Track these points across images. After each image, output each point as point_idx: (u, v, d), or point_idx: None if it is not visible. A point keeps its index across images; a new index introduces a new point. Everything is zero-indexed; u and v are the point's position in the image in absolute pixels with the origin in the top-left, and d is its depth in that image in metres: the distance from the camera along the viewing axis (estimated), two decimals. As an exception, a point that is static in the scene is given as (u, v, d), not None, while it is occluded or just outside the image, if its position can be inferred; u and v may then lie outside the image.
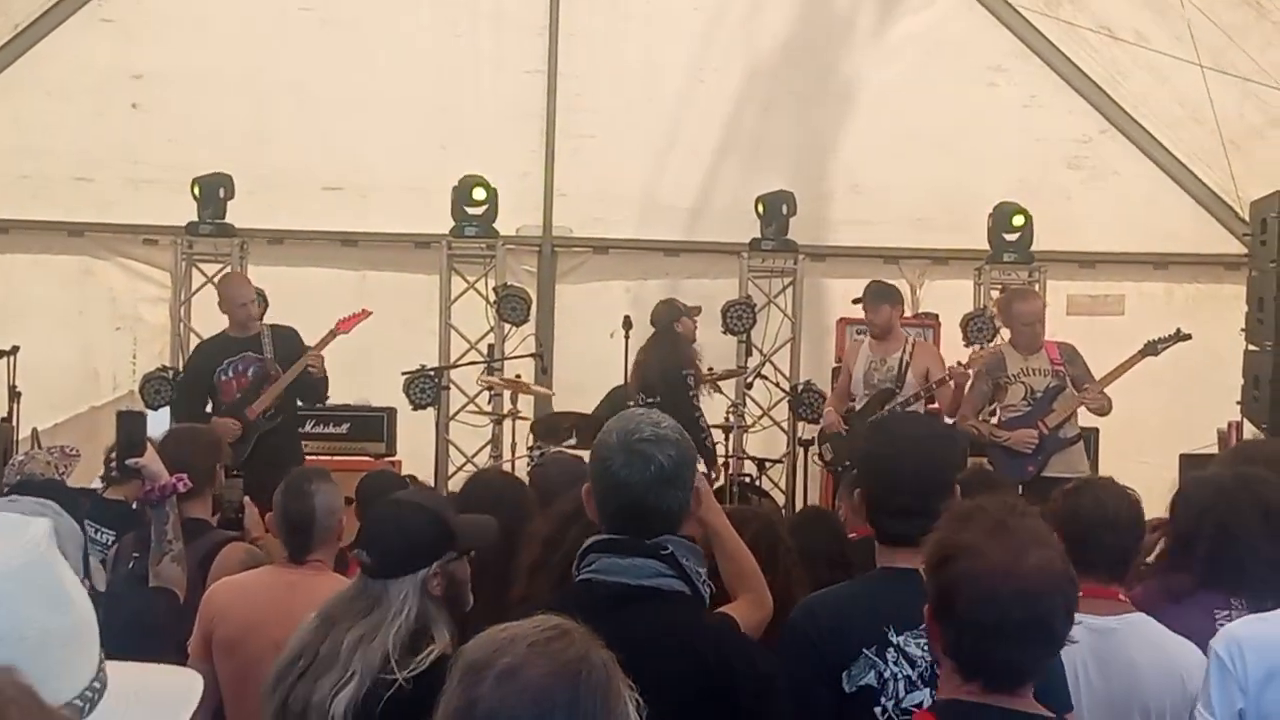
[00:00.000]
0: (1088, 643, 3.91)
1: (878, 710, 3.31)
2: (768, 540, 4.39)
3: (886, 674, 3.31)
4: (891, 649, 3.32)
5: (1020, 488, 8.85)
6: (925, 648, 3.25)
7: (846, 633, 3.36)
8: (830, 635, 3.39)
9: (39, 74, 12.41)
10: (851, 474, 5.73)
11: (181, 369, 10.85)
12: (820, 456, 10.64)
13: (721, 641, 3.15)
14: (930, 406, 9.93)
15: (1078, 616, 3.87)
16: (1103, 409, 9.50)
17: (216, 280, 11.11)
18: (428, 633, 3.83)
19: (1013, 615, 2.73)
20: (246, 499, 6.44)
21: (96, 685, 1.76)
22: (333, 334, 9.82)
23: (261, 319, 9.87)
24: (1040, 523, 2.88)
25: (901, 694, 3.30)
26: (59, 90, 12.42)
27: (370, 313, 10.09)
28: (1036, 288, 11.74)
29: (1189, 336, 9.70)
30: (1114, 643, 3.94)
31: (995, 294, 12.31)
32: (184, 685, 1.96)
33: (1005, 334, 10.33)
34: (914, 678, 3.29)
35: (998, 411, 9.76)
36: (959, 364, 9.91)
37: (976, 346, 10.91)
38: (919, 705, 3.25)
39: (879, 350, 10.18)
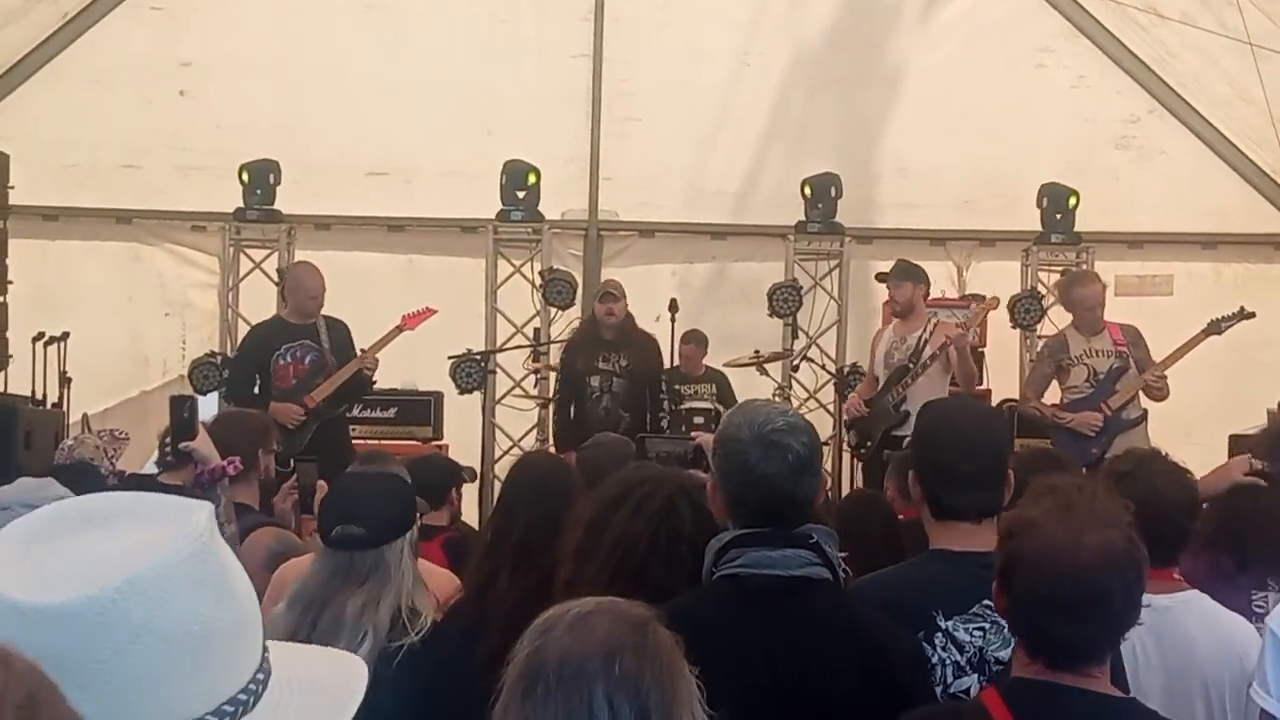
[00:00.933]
0: (1146, 622, 3.90)
1: (926, 696, 3.29)
2: None
3: (934, 659, 3.29)
4: (940, 634, 3.30)
5: (1085, 469, 8.82)
6: (974, 633, 3.25)
7: (895, 617, 3.34)
8: None
9: (87, 63, 12.51)
10: (902, 454, 5.70)
11: (231, 352, 10.93)
12: (848, 441, 10.58)
13: (872, 625, 3.15)
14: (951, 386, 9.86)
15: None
16: (1162, 393, 9.44)
17: (287, 266, 11.05)
18: (420, 592, 4.02)
19: (1068, 592, 2.72)
20: (321, 482, 6.48)
21: (260, 677, 1.72)
22: (398, 330, 9.90)
23: (322, 306, 9.86)
24: (1112, 505, 2.87)
25: (949, 679, 3.28)
26: (107, 79, 12.51)
27: (435, 311, 10.15)
28: (1085, 268, 11.69)
29: (1253, 314, 9.64)
30: (1171, 621, 3.92)
31: (1043, 275, 12.30)
32: (351, 673, 1.93)
33: (1063, 317, 10.27)
34: (962, 663, 3.27)
35: (1061, 394, 9.73)
36: (958, 325, 9.90)
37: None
38: (966, 691, 3.24)
39: (901, 330, 10.09)
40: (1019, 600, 2.82)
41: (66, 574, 1.60)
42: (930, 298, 11.91)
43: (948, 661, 3.29)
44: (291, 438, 8.84)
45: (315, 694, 1.80)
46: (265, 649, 1.77)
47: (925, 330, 9.95)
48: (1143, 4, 11.84)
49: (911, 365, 9.82)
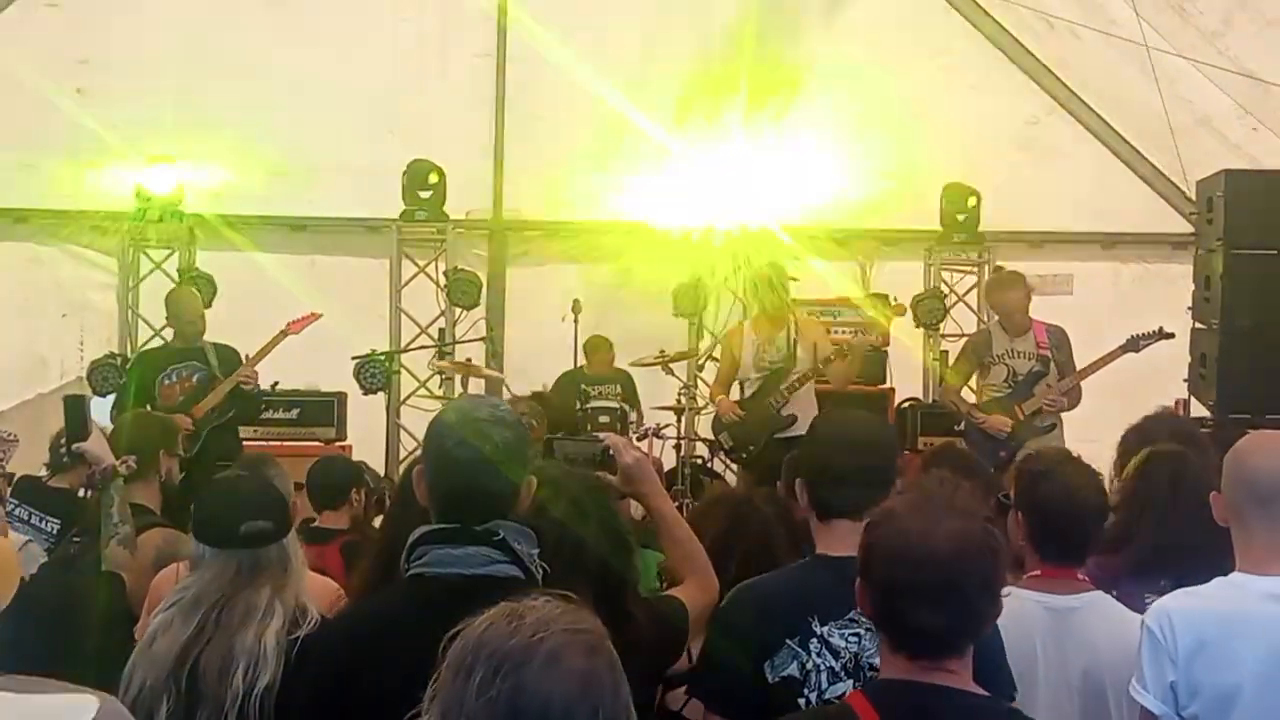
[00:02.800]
0: (1047, 622, 3.96)
1: (801, 702, 3.29)
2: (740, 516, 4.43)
3: (809, 665, 3.29)
4: (815, 640, 3.30)
5: (992, 470, 8.88)
6: (849, 639, 3.26)
7: (770, 622, 3.34)
8: (754, 625, 3.38)
9: (-18, 60, 12.29)
10: (792, 458, 5.71)
11: (131, 354, 10.81)
12: (719, 444, 10.49)
13: None
14: (821, 383, 9.88)
15: (1036, 596, 3.95)
16: (1064, 408, 9.52)
17: (166, 296, 10.87)
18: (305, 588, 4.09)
19: (923, 577, 2.77)
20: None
21: None
22: (283, 334, 9.95)
23: (204, 330, 9.95)
24: (971, 498, 2.92)
25: (824, 686, 3.28)
26: (2, 76, 12.28)
27: (320, 315, 10.17)
28: (987, 269, 11.82)
29: (1172, 335, 9.74)
30: (1074, 622, 3.97)
31: (945, 275, 12.41)
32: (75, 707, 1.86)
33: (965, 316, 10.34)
34: (837, 669, 3.28)
35: (979, 390, 9.80)
36: (858, 332, 9.93)
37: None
38: (840, 697, 3.24)
39: (763, 331, 9.98)
40: (876, 588, 2.87)
41: None
42: (835, 297, 12.05)
43: (822, 667, 3.29)
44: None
45: None
46: None
47: (791, 329, 9.92)
48: (1039, 5, 11.96)
49: (788, 367, 9.77)
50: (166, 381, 9.72)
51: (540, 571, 3.20)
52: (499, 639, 2.24)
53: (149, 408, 9.50)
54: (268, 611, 3.89)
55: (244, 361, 9.81)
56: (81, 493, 6.91)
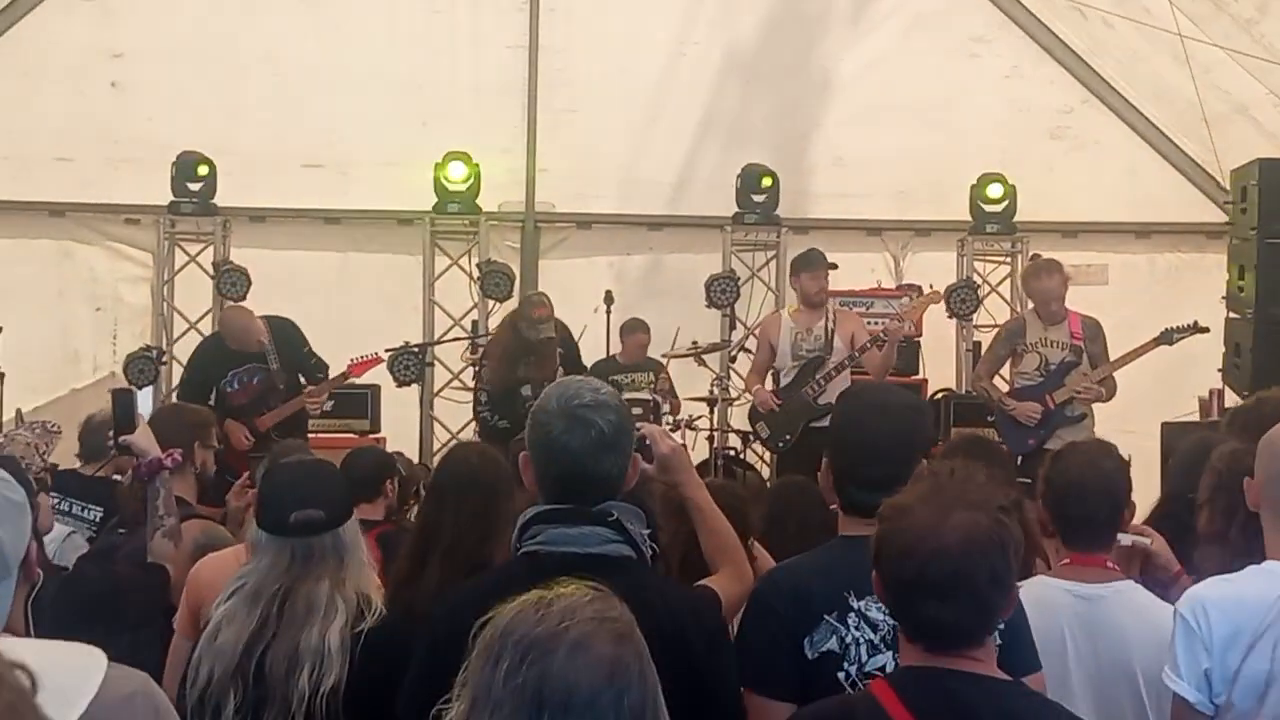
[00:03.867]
0: (1076, 610, 3.95)
1: (840, 675, 3.29)
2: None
3: (848, 639, 3.30)
4: (853, 614, 3.30)
5: (1020, 459, 8.87)
6: (887, 612, 3.27)
7: (807, 599, 3.34)
8: (791, 603, 3.37)
9: (17, 54, 12.35)
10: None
11: (166, 346, 10.87)
12: (756, 434, 10.50)
13: (673, 603, 3.15)
14: (858, 372, 9.85)
15: (1064, 585, 3.95)
16: (1099, 399, 9.50)
17: (220, 313, 10.96)
18: (370, 577, 4.08)
19: (931, 573, 2.77)
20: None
21: None
22: (344, 376, 10.13)
23: (263, 336, 9.86)
24: (986, 489, 2.90)
25: (864, 659, 3.29)
26: (38, 70, 12.37)
27: (383, 359, 10.41)
28: (1021, 260, 11.78)
29: (1206, 329, 9.71)
30: (1103, 610, 3.96)
31: (978, 265, 12.38)
32: (86, 668, 1.85)
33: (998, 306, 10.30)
34: (876, 642, 3.28)
35: (1011, 378, 9.78)
36: (895, 318, 9.92)
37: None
38: (881, 669, 3.25)
39: (801, 320, 10.03)
40: (888, 582, 2.89)
41: None
42: (867, 288, 12.05)
43: (861, 640, 3.30)
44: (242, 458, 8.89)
45: (47, 689, 1.71)
46: None
47: (829, 319, 9.93)
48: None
49: (826, 357, 9.80)
50: (230, 389, 9.79)
51: (651, 551, 3.26)
52: (526, 626, 2.26)
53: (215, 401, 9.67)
54: (330, 608, 3.89)
55: (304, 335, 9.95)
56: (116, 479, 7.01)
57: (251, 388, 9.79)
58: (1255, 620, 3.41)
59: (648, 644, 2.32)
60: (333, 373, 10.14)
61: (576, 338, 10.71)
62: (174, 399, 10.48)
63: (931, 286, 11.14)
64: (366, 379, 11.40)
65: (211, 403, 9.56)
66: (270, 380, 9.77)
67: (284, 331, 9.88)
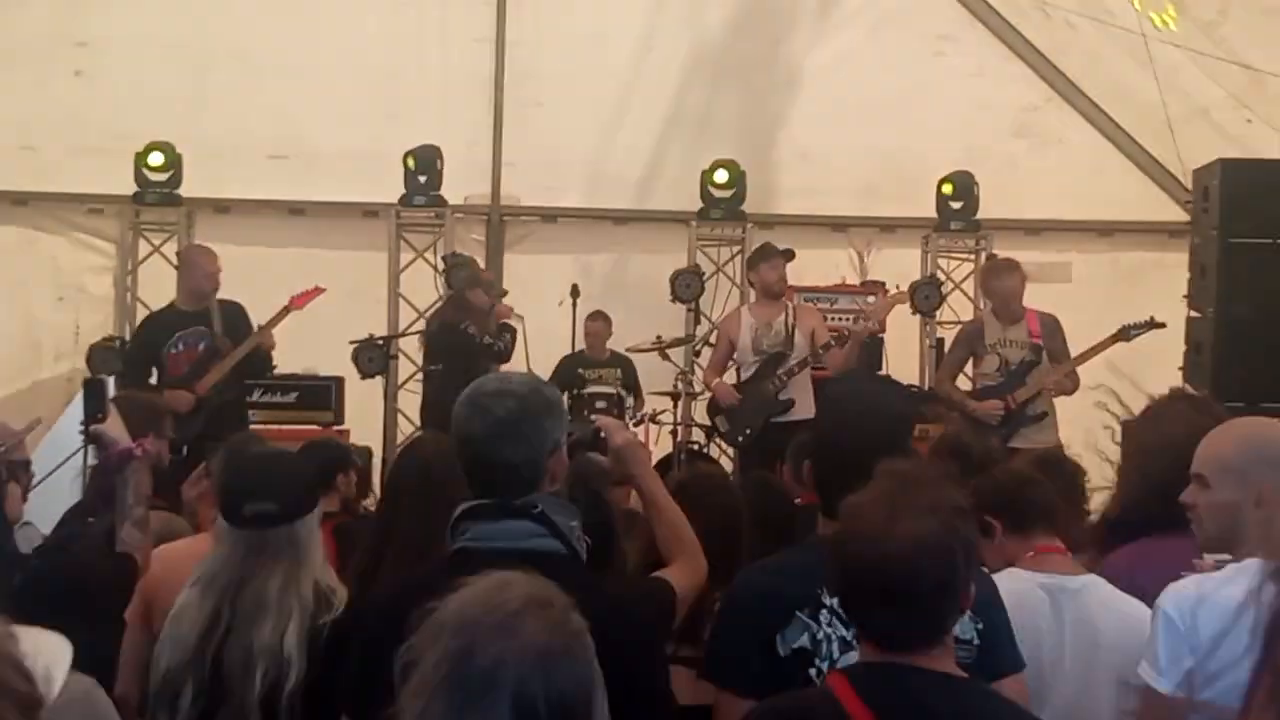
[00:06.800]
0: (1048, 603, 4.00)
1: (812, 672, 3.27)
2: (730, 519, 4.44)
3: (820, 635, 3.29)
4: (825, 610, 3.30)
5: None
6: (857, 609, 3.29)
7: (779, 596, 3.34)
8: (764, 600, 3.37)
9: (-20, 42, 12.28)
10: (800, 441, 5.69)
11: (128, 339, 10.79)
12: (715, 429, 10.52)
13: (605, 601, 3.08)
14: (819, 370, 9.88)
15: (1036, 577, 3.97)
16: (1065, 391, 9.55)
17: (180, 249, 10.89)
18: (329, 570, 4.04)
19: (876, 579, 2.78)
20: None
21: None
22: (286, 310, 9.79)
23: (218, 287, 9.72)
24: (938, 493, 2.88)
25: (836, 654, 3.27)
26: (1, 58, 12.27)
27: (324, 290, 10.07)
28: (983, 257, 11.83)
29: (1163, 325, 9.77)
30: (1079, 603, 4.01)
31: (942, 263, 12.44)
32: (53, 655, 1.85)
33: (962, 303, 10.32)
34: (849, 638, 3.26)
35: (973, 379, 9.83)
36: (860, 318, 9.96)
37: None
38: (852, 665, 3.27)
39: (761, 315, 10.06)
40: (839, 584, 2.92)
41: None
42: (832, 284, 12.08)
43: (834, 637, 3.29)
44: (184, 425, 8.72)
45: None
46: None
47: (789, 314, 9.96)
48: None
49: (788, 352, 9.83)
50: (173, 350, 9.55)
51: (584, 546, 3.23)
52: (461, 610, 2.28)
53: (156, 376, 9.53)
54: (282, 608, 3.86)
55: (251, 324, 9.64)
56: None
57: (194, 353, 9.53)
58: (1241, 622, 3.38)
59: None
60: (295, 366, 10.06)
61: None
62: (117, 382, 10.34)
63: (897, 286, 11.20)
64: (330, 371, 11.40)
65: (154, 380, 9.47)
66: (214, 346, 9.51)
67: (232, 311, 9.67)
